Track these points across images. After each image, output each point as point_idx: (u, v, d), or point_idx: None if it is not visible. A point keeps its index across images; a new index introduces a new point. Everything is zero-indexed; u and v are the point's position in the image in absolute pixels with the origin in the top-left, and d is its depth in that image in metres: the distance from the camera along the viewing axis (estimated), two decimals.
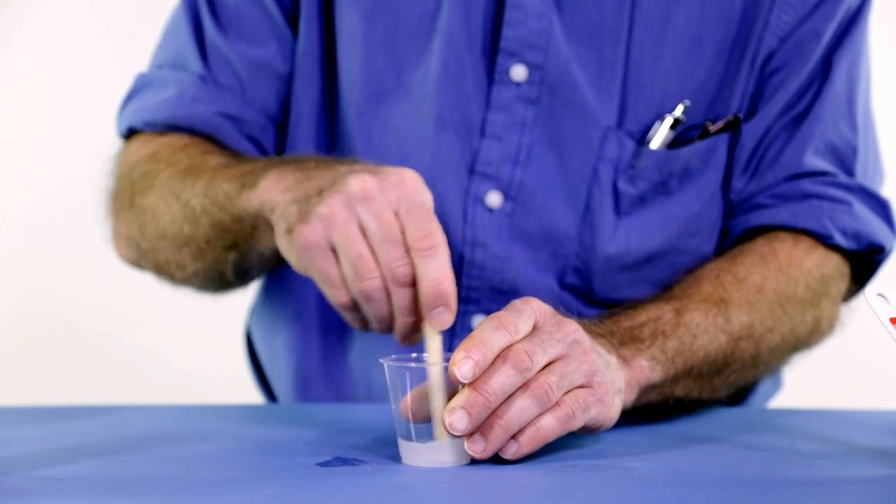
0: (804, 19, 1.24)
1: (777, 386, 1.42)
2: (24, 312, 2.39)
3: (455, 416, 0.92)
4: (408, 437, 0.95)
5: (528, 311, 0.96)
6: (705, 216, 1.27)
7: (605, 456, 0.98)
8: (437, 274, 0.96)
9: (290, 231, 1.00)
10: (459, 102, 1.24)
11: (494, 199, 1.24)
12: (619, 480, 0.91)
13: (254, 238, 1.11)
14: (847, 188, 1.26)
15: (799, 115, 1.26)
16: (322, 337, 1.32)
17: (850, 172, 1.27)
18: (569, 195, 1.24)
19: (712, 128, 1.24)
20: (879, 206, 1.28)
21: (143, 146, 1.27)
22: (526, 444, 0.94)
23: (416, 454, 0.95)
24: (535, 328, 0.96)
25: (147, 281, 1.31)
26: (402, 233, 0.97)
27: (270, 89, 1.28)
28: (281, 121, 1.30)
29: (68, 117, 2.35)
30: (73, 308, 2.37)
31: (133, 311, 2.35)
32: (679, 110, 1.23)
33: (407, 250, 0.96)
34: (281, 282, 1.34)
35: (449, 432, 0.92)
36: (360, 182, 0.98)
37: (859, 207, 1.26)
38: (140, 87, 1.31)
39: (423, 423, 0.95)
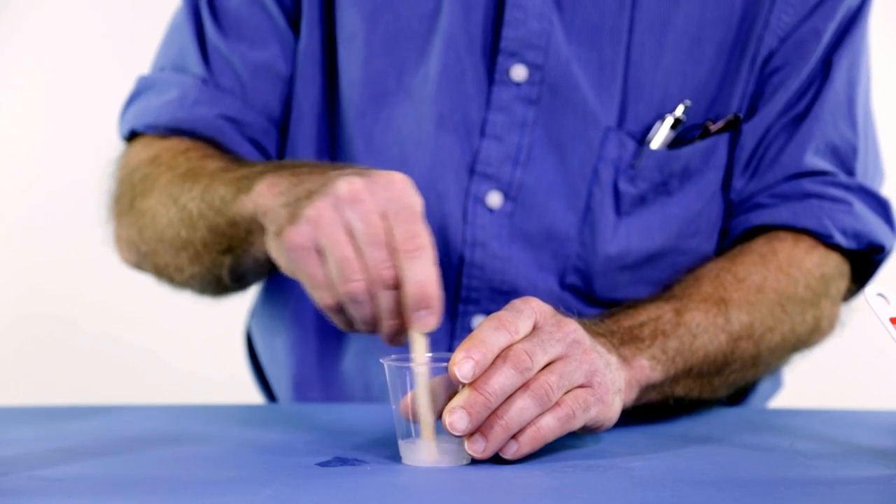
0: (804, 19, 1.24)
1: (777, 386, 1.42)
2: (24, 312, 2.39)
3: (455, 416, 0.92)
4: (408, 437, 0.95)
5: (528, 311, 0.96)
6: (705, 216, 1.27)
7: (605, 456, 0.98)
8: (422, 276, 0.96)
9: (279, 233, 1.00)
10: (460, 103, 1.24)
11: (495, 199, 1.24)
12: (619, 480, 0.91)
13: (248, 242, 1.11)
14: (847, 188, 1.26)
15: (799, 114, 1.26)
16: (320, 338, 1.32)
17: (850, 172, 1.27)
18: (569, 195, 1.24)
19: (713, 128, 1.24)
20: (879, 205, 1.28)
21: (145, 149, 1.27)
22: (526, 444, 0.94)
23: (416, 454, 0.95)
24: (535, 328, 0.96)
25: (147, 281, 1.31)
26: (389, 235, 0.97)
27: (272, 91, 1.28)
28: (282, 122, 1.30)
29: (68, 117, 2.35)
30: (73, 308, 2.37)
31: (133, 312, 2.35)
32: (679, 110, 1.23)
33: (393, 253, 0.96)
34: (281, 283, 1.34)
35: (448, 432, 0.92)
36: (348, 184, 0.98)
37: (859, 207, 1.26)
38: (142, 90, 1.31)
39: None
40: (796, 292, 1.21)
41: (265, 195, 1.05)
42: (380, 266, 0.96)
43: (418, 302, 0.96)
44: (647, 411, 1.10)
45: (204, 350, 2.34)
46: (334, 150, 1.29)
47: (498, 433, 0.93)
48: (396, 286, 0.97)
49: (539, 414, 0.94)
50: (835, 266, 1.25)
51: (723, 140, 1.25)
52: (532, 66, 1.22)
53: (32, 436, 1.05)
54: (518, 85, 1.23)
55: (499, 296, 1.25)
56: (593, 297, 1.26)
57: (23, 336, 2.38)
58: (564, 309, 1.00)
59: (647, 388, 1.07)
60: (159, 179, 1.21)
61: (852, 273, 1.28)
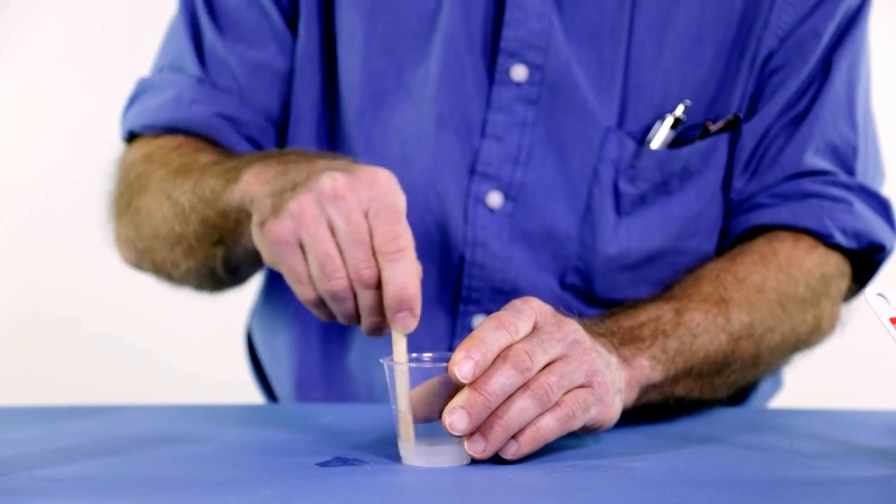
0: (804, 19, 1.24)
1: (777, 386, 1.42)
2: (24, 312, 2.39)
3: (455, 416, 0.92)
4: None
5: (529, 311, 0.96)
6: (705, 216, 1.27)
7: (605, 456, 0.98)
8: (402, 279, 0.96)
9: (262, 224, 1.00)
10: (460, 103, 1.24)
11: (495, 199, 1.24)
12: (619, 480, 0.91)
13: (238, 232, 1.11)
14: (847, 187, 1.26)
15: (799, 114, 1.26)
16: (322, 338, 1.32)
17: (850, 172, 1.27)
18: (569, 195, 1.24)
19: (712, 127, 1.24)
20: (880, 205, 1.28)
21: (140, 148, 1.27)
22: (526, 444, 0.94)
23: (416, 454, 0.95)
24: (535, 328, 0.96)
25: (147, 281, 1.31)
26: (371, 234, 0.97)
27: (269, 90, 1.28)
28: (281, 122, 1.30)
29: (68, 117, 2.35)
30: (73, 308, 2.37)
31: (133, 311, 2.35)
32: (679, 110, 1.23)
33: (374, 252, 0.97)
34: (281, 283, 1.34)
35: (449, 432, 0.92)
36: (331, 180, 0.98)
37: (860, 207, 1.26)
38: (141, 91, 1.31)
39: (424, 423, 0.95)
40: (796, 292, 1.21)
41: (252, 183, 1.05)
42: (360, 266, 0.97)
43: (398, 304, 0.96)
44: (647, 411, 1.10)
45: (204, 350, 2.35)
46: (334, 149, 1.29)
47: (498, 433, 0.93)
48: (377, 286, 0.97)
49: (539, 414, 0.94)
50: (835, 266, 1.25)
51: (723, 140, 1.25)
52: (532, 66, 1.22)
53: (32, 436, 1.05)
54: (518, 85, 1.23)
55: (499, 295, 1.25)
56: (593, 297, 1.26)
57: (23, 336, 2.38)
58: (564, 309, 1.00)
59: (647, 389, 1.07)
60: (153, 176, 1.22)
61: (853, 273, 1.28)
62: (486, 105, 1.24)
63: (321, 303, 1.00)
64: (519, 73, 1.23)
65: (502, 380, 0.92)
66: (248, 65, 1.28)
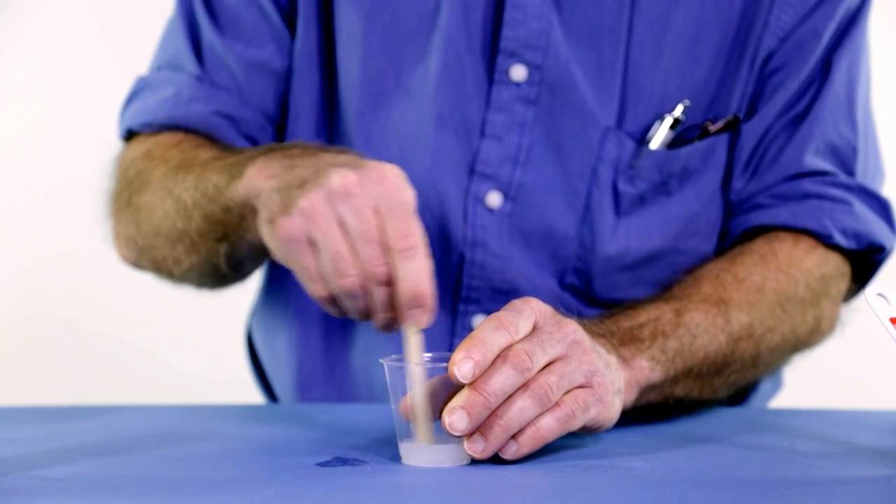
0: (804, 19, 1.24)
1: (777, 386, 1.42)
2: (24, 312, 2.39)
3: (455, 416, 0.92)
4: (408, 438, 0.95)
5: (528, 311, 0.96)
6: (705, 216, 1.27)
7: (605, 456, 0.98)
8: (416, 275, 0.96)
9: (271, 221, 1.00)
10: (459, 102, 1.24)
11: (494, 199, 1.25)
12: (619, 480, 0.91)
13: (243, 228, 1.11)
14: (847, 188, 1.26)
15: (799, 115, 1.26)
16: (323, 337, 1.32)
17: (850, 172, 1.27)
18: (568, 195, 1.24)
19: (712, 128, 1.24)
20: (880, 205, 1.28)
21: (139, 146, 1.27)
22: (526, 444, 0.94)
23: (416, 454, 0.95)
24: (535, 328, 0.96)
25: (147, 281, 1.31)
26: (382, 231, 0.97)
27: (268, 89, 1.28)
28: (279, 120, 1.30)
29: (68, 117, 2.35)
30: (73, 308, 2.37)
31: (133, 311, 2.35)
32: (679, 110, 1.23)
33: (385, 249, 0.96)
34: (282, 282, 1.34)
35: (448, 432, 0.92)
36: (341, 178, 0.97)
37: (859, 207, 1.26)
38: (139, 90, 1.31)
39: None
40: (796, 293, 1.21)
41: (256, 178, 1.05)
42: (373, 263, 0.96)
43: (412, 300, 0.96)
44: (647, 411, 1.10)
45: (204, 350, 2.34)
46: None
47: (497, 433, 0.93)
48: (390, 282, 0.97)
49: (539, 414, 0.94)
50: (835, 266, 1.25)
51: (722, 140, 1.25)
52: (531, 66, 1.22)
53: (32, 436, 1.05)
54: (517, 85, 1.23)
55: (499, 295, 1.25)
56: (593, 297, 1.26)
57: (23, 336, 2.38)
58: (564, 309, 1.00)
59: (646, 389, 1.07)
60: (153, 173, 1.21)
61: (852, 273, 1.28)
62: (485, 105, 1.24)
63: (333, 300, 1.00)
64: (518, 73, 1.23)
65: (502, 380, 0.92)
66: (247, 63, 1.28)
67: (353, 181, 0.97)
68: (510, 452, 0.94)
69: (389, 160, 1.22)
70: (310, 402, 1.32)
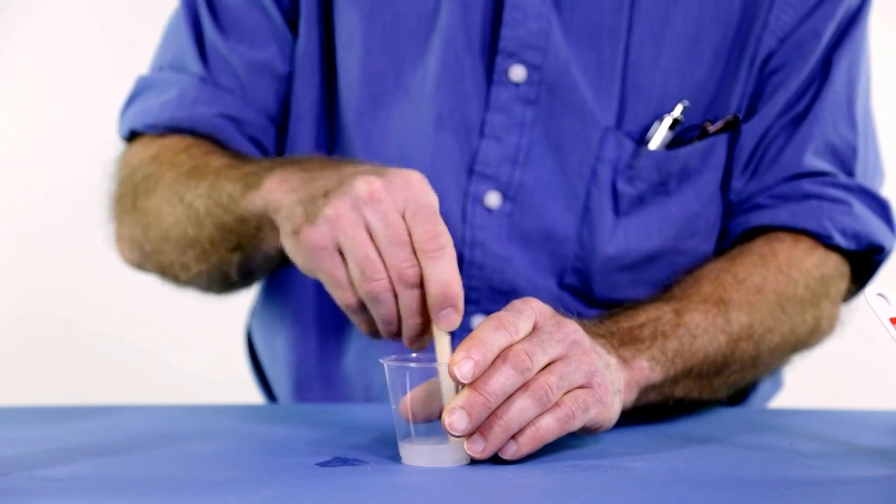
0: (804, 19, 1.24)
1: (777, 386, 1.42)
2: (24, 312, 2.39)
3: (455, 416, 0.92)
4: (408, 438, 0.95)
5: (528, 312, 0.96)
6: (704, 216, 1.27)
7: (605, 456, 0.98)
8: (445, 276, 0.96)
9: (296, 232, 1.00)
10: (458, 103, 1.24)
11: (493, 199, 1.24)
12: (619, 480, 0.91)
13: (258, 238, 1.11)
14: (847, 188, 1.26)
15: (798, 115, 1.26)
16: (320, 337, 1.32)
17: (849, 172, 1.27)
18: (568, 195, 1.24)
19: (711, 128, 1.24)
20: (879, 206, 1.28)
21: (145, 148, 1.27)
22: (525, 444, 0.94)
23: (416, 454, 0.95)
24: (535, 328, 0.96)
25: (147, 281, 1.31)
26: (409, 234, 0.97)
27: (270, 90, 1.28)
28: (281, 121, 1.30)
29: (68, 117, 2.35)
30: (73, 308, 2.37)
31: (133, 312, 2.35)
32: (678, 110, 1.23)
33: (414, 252, 0.96)
34: (281, 283, 1.34)
35: (449, 432, 0.92)
36: (366, 184, 0.97)
37: (859, 207, 1.26)
38: (141, 90, 1.31)
39: (423, 423, 0.95)
40: (796, 293, 1.21)
41: (275, 191, 1.05)
42: (403, 265, 0.96)
43: (443, 300, 0.96)
44: (647, 411, 1.10)
45: (204, 350, 2.34)
46: (333, 149, 1.29)
47: (497, 433, 0.93)
48: (419, 285, 0.97)
49: (538, 414, 0.94)
50: (834, 267, 1.25)
51: (721, 140, 1.25)
52: (531, 67, 1.22)
53: (32, 436, 1.05)
54: (517, 85, 1.23)
55: (498, 295, 1.25)
56: (592, 297, 1.26)
57: (23, 336, 2.38)
58: (563, 309, 1.00)
59: (646, 389, 1.07)
60: (163, 178, 1.21)
61: (852, 273, 1.28)
62: (484, 105, 1.24)
63: (362, 308, 1.00)
64: (517, 73, 1.23)
65: (502, 380, 0.92)
66: (250, 65, 1.27)
67: (379, 187, 0.97)
68: (510, 452, 0.94)
69: (389, 161, 1.23)
70: (309, 402, 1.32)
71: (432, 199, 0.97)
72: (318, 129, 1.29)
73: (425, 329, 0.98)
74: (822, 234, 1.24)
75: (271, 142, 1.29)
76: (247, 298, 1.44)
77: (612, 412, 0.99)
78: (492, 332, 0.94)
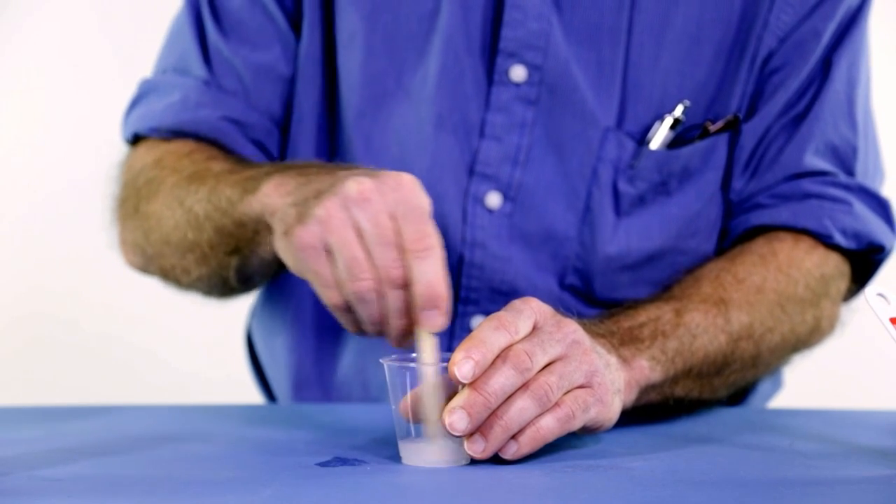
0: (804, 19, 1.24)
1: (777, 386, 1.42)
2: (24, 312, 2.39)
3: (455, 416, 0.92)
4: (408, 437, 0.95)
5: (528, 312, 0.96)
6: (705, 216, 1.27)
7: (605, 456, 0.98)
8: (431, 276, 0.96)
9: (287, 233, 1.00)
10: (458, 103, 1.24)
11: (494, 199, 1.24)
12: (619, 480, 0.91)
13: (255, 243, 1.11)
14: (847, 188, 1.26)
15: (799, 114, 1.26)
16: (318, 339, 1.32)
17: (850, 172, 1.27)
18: (568, 196, 1.24)
19: (712, 128, 1.24)
20: (879, 205, 1.28)
21: (149, 152, 1.27)
22: (526, 444, 0.94)
23: (416, 454, 0.95)
24: (535, 328, 0.96)
25: (147, 281, 1.31)
26: (398, 235, 0.97)
27: (274, 93, 1.28)
28: (284, 123, 1.30)
29: (68, 117, 2.35)
30: (73, 308, 2.37)
31: (133, 312, 2.35)
32: (679, 110, 1.23)
33: (401, 252, 0.96)
34: (281, 284, 1.34)
35: (448, 432, 0.92)
36: (357, 184, 0.97)
37: (859, 207, 1.26)
38: (144, 93, 1.31)
39: (423, 423, 0.95)
40: (796, 293, 1.21)
41: (272, 195, 1.05)
42: (389, 265, 0.96)
43: (427, 301, 0.96)
44: (647, 411, 1.10)
45: (204, 350, 2.34)
46: (334, 150, 1.29)
47: (498, 433, 0.93)
48: (405, 286, 0.97)
49: (539, 414, 0.94)
50: (835, 266, 1.25)
51: (722, 140, 1.25)
52: (531, 67, 1.22)
53: (32, 436, 1.05)
54: (517, 85, 1.23)
55: (498, 296, 1.25)
56: (593, 297, 1.26)
57: (23, 336, 2.38)
58: (564, 309, 1.00)
59: (646, 389, 1.07)
60: (164, 182, 1.21)
61: (852, 273, 1.28)
62: (484, 105, 1.24)
63: (348, 308, 1.00)
64: (518, 73, 1.23)
65: (502, 380, 0.92)
66: (253, 67, 1.27)
67: (369, 187, 0.97)
68: (510, 452, 0.94)
69: (389, 161, 1.23)
70: (309, 403, 1.32)
71: (423, 202, 0.97)
72: (319, 131, 1.29)
73: (411, 330, 0.98)
74: (822, 234, 1.24)
75: (275, 144, 1.29)
76: (247, 299, 1.44)
77: (613, 412, 0.99)
78: (492, 332, 0.94)
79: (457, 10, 1.23)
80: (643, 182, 1.24)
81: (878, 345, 1.25)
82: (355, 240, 0.97)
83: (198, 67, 1.28)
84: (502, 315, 0.95)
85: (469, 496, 0.88)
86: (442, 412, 0.94)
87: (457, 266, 1.25)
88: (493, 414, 0.93)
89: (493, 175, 1.24)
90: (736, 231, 1.27)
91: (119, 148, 1.32)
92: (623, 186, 1.24)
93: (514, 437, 0.94)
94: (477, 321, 1.25)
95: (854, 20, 1.27)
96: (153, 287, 1.32)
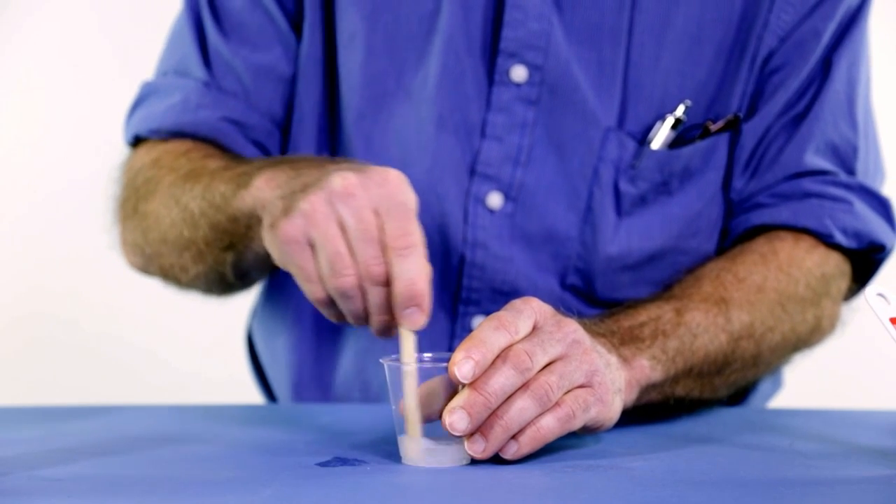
0: (804, 19, 1.24)
1: (777, 386, 1.42)
2: (24, 312, 2.39)
3: (455, 416, 0.92)
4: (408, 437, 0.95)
5: (528, 311, 0.96)
6: (706, 216, 1.27)
7: (605, 456, 0.98)
8: (412, 274, 0.95)
9: (273, 225, 1.00)
10: (459, 104, 1.24)
11: (495, 200, 1.24)
12: (619, 480, 0.91)
13: (249, 238, 1.11)
14: (847, 187, 1.26)
15: (799, 114, 1.26)
16: (317, 339, 1.32)
17: (850, 171, 1.28)
18: (569, 196, 1.24)
19: (713, 127, 1.24)
20: (880, 204, 1.28)
21: (148, 153, 1.27)
22: (526, 444, 0.94)
23: (416, 454, 0.95)
24: (535, 328, 0.96)
25: (147, 281, 1.31)
26: (381, 231, 0.96)
27: (275, 94, 1.28)
28: (284, 124, 1.30)
29: (68, 117, 2.35)
30: (73, 308, 2.37)
31: (133, 312, 2.35)
32: (680, 110, 1.23)
33: (384, 249, 0.96)
34: (282, 284, 1.34)
35: (450, 432, 0.92)
36: (342, 179, 0.97)
37: (860, 206, 1.26)
38: (145, 95, 1.31)
39: (424, 423, 0.95)
40: (797, 292, 1.21)
41: (263, 189, 1.05)
42: (370, 262, 0.96)
43: (407, 299, 0.96)
44: (647, 411, 1.10)
45: (204, 350, 2.35)
46: (335, 151, 1.29)
47: (498, 433, 0.93)
48: (386, 283, 0.96)
49: (539, 414, 0.94)
50: (835, 265, 1.25)
51: (723, 140, 1.25)
52: (532, 67, 1.22)
53: (32, 436, 1.05)
54: (518, 85, 1.23)
55: (499, 296, 1.25)
56: (594, 297, 1.26)
57: (23, 336, 2.39)
58: (565, 309, 1.00)
59: (647, 388, 1.07)
60: (162, 181, 1.21)
61: (853, 272, 1.28)
62: (485, 106, 1.24)
63: (331, 302, 1.00)
64: (519, 73, 1.23)
65: (502, 380, 0.92)
66: (253, 68, 1.27)
67: (355, 182, 0.97)
68: (510, 452, 0.94)
69: (389, 162, 1.23)
70: (309, 403, 1.32)
71: (408, 198, 0.97)
72: (320, 131, 1.29)
73: (393, 324, 0.98)
74: (822, 233, 1.24)
75: (276, 145, 1.29)
76: (248, 299, 1.44)
77: (613, 411, 0.99)
78: (492, 332, 0.94)
79: (457, 10, 1.23)
80: (644, 182, 1.24)
81: (878, 345, 1.25)
82: (338, 234, 0.97)
83: (198, 69, 1.28)
84: (502, 315, 0.95)
85: (469, 496, 0.88)
86: (434, 412, 0.94)
87: (458, 266, 1.25)
88: (494, 414, 0.93)
89: (495, 175, 1.24)
90: (736, 230, 1.27)
91: (119, 148, 1.32)
92: (624, 186, 1.24)
93: (514, 436, 0.94)
94: (478, 321, 1.26)
95: (854, 20, 1.27)
96: (153, 287, 1.32)
